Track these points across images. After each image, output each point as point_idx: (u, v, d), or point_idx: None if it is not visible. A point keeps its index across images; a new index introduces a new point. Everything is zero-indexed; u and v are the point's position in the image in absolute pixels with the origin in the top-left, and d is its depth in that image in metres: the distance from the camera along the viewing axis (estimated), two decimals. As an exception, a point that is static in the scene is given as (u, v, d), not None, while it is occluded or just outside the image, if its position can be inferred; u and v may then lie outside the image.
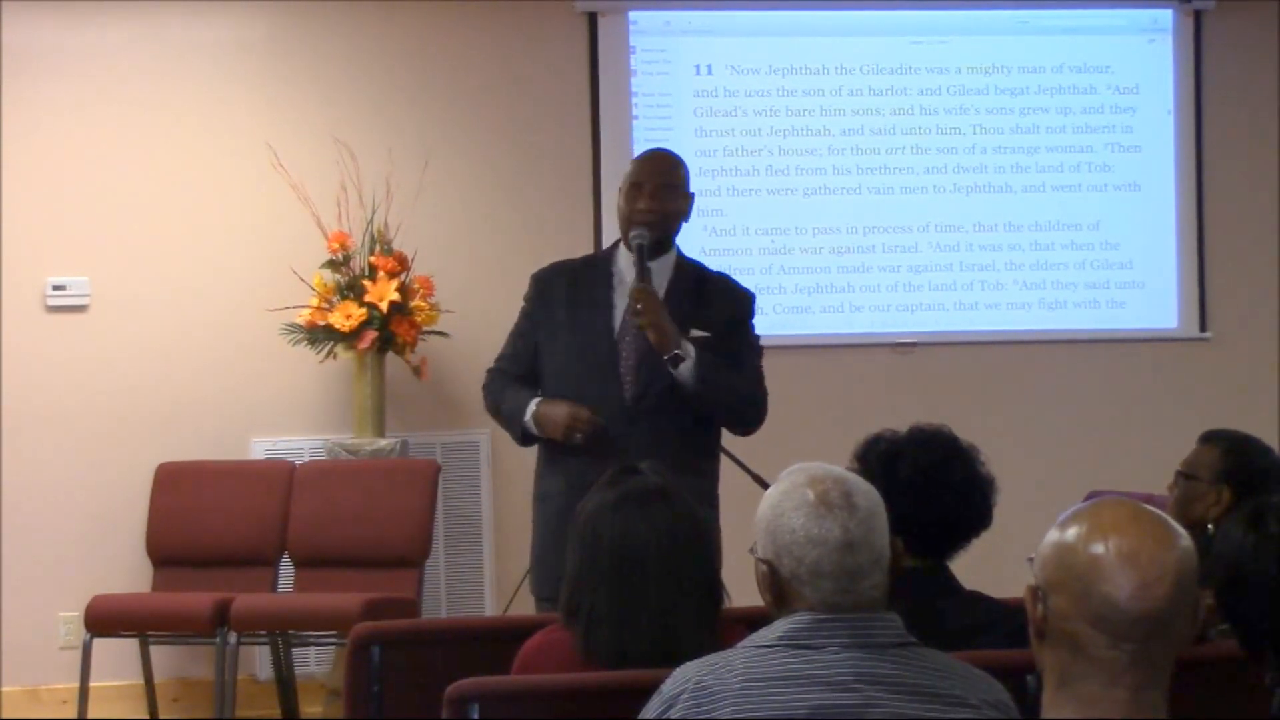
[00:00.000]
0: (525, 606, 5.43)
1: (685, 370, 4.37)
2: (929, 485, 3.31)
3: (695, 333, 4.44)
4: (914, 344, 7.40)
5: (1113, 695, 2.06)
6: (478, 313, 6.99)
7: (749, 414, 4.53)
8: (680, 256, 4.56)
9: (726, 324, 4.48)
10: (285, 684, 6.55)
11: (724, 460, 5.18)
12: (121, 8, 6.97)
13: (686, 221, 4.58)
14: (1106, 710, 2.05)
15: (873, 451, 3.40)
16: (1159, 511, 2.14)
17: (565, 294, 4.55)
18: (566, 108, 7.24)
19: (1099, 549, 2.06)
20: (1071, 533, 2.10)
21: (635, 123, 7.27)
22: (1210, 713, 2.91)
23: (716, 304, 4.51)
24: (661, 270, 4.50)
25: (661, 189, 4.48)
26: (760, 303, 7.10)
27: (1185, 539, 2.11)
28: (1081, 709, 2.07)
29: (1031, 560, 2.14)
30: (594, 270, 4.60)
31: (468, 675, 2.99)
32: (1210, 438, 4.35)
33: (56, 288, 6.90)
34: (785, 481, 2.60)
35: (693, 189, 4.60)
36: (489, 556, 6.99)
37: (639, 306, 4.38)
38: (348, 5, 7.08)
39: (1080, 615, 2.06)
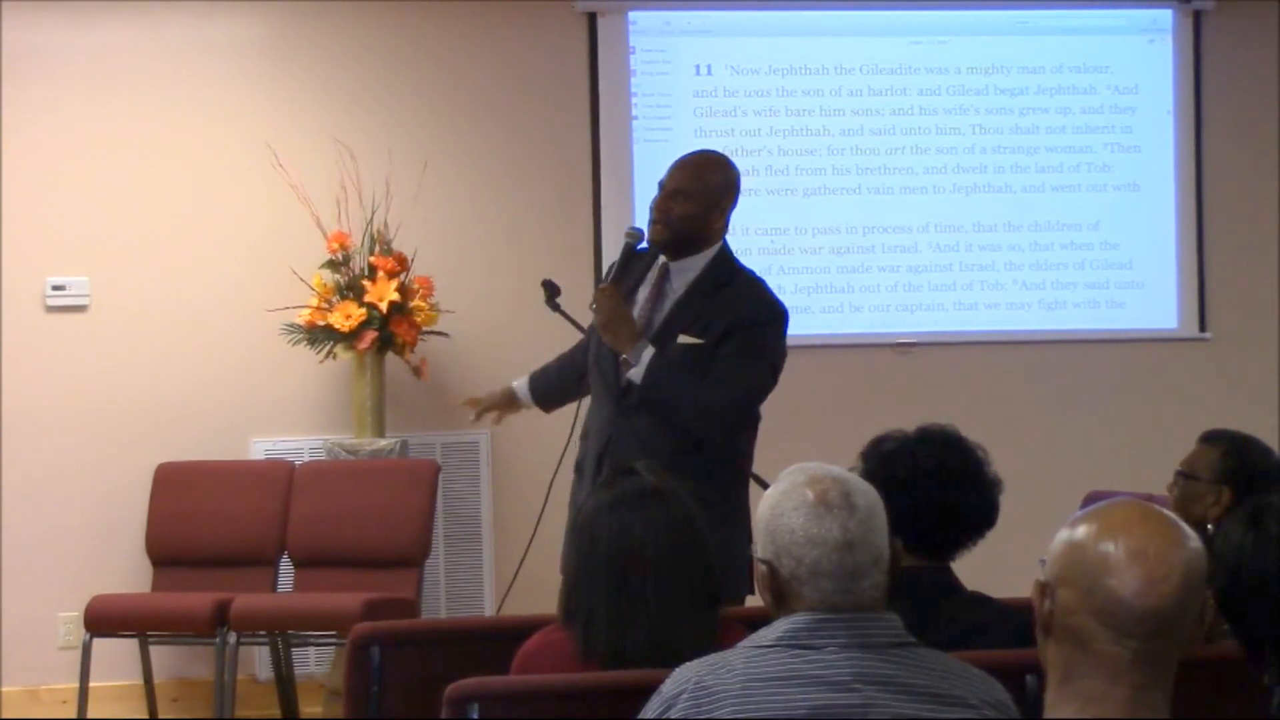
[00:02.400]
0: (522, 603, 5.43)
1: (636, 374, 4.39)
2: (932, 484, 3.31)
3: (684, 339, 4.42)
4: (914, 344, 7.40)
5: (1115, 693, 2.06)
6: (478, 313, 7.00)
7: (695, 424, 4.40)
8: (718, 257, 4.54)
9: (723, 330, 4.43)
10: (285, 684, 6.55)
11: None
12: (121, 8, 6.97)
13: (716, 220, 4.54)
14: (1109, 710, 2.05)
15: (877, 451, 3.40)
16: (1170, 513, 2.15)
17: (613, 276, 4.58)
18: (566, 108, 7.24)
19: (1108, 547, 2.08)
20: (1082, 531, 2.11)
21: (635, 123, 7.27)
22: (1210, 713, 2.91)
23: (722, 310, 4.46)
24: (690, 268, 4.50)
25: (671, 194, 4.50)
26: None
27: (1195, 541, 2.12)
28: (1084, 707, 2.07)
29: (1043, 562, 2.15)
30: (640, 261, 4.61)
31: (468, 675, 2.99)
32: (1210, 438, 4.35)
33: (56, 288, 6.90)
34: (784, 481, 2.60)
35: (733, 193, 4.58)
36: (489, 556, 6.99)
37: (593, 306, 4.44)
38: (348, 5, 7.08)
39: (1086, 609, 2.06)
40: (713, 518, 4.34)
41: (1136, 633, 2.06)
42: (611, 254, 7.13)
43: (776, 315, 4.56)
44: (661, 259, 4.55)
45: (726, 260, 4.56)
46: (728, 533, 4.35)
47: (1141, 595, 2.05)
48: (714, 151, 4.70)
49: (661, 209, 4.49)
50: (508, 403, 4.97)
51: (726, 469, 4.48)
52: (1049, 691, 2.11)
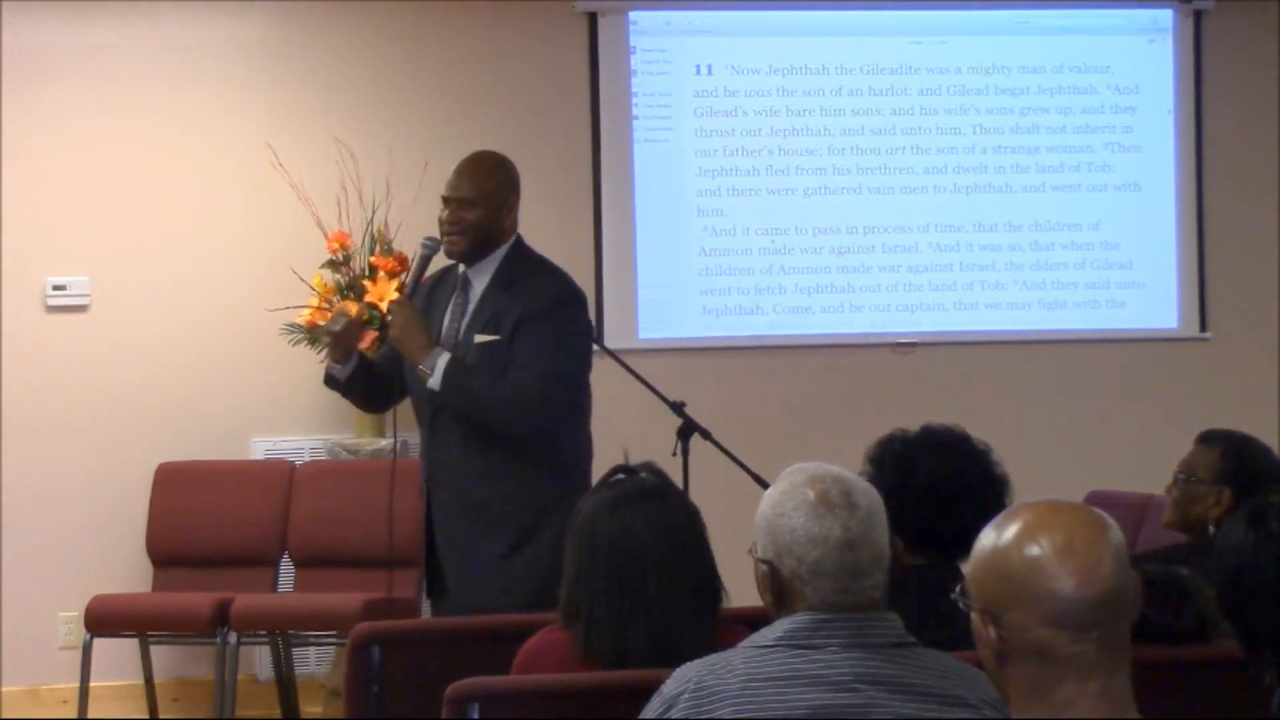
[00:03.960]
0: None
1: (434, 382, 4.38)
2: (947, 492, 3.31)
3: (480, 338, 4.42)
4: (914, 344, 7.40)
5: (1089, 690, 2.05)
6: (478, 313, 6.99)
7: (500, 421, 4.39)
8: (510, 253, 4.51)
9: (515, 322, 4.41)
10: (285, 684, 6.55)
11: (715, 461, 5.19)
12: (121, 8, 6.97)
13: (505, 219, 4.49)
14: (1085, 709, 2.04)
15: (887, 454, 3.40)
16: (1073, 501, 2.15)
17: (430, 293, 4.57)
18: (566, 108, 7.24)
19: (1034, 550, 2.06)
20: (1001, 542, 2.09)
21: (635, 123, 7.27)
22: (1210, 713, 2.91)
23: (513, 303, 4.44)
24: (486, 270, 4.49)
25: (460, 203, 4.47)
26: (760, 302, 7.25)
27: (1109, 517, 2.12)
28: (1060, 711, 2.05)
29: (963, 591, 2.13)
30: (449, 275, 4.61)
31: (468, 675, 2.99)
32: (1209, 438, 4.34)
33: (56, 288, 6.90)
34: (785, 481, 2.60)
35: (511, 188, 4.52)
36: (489, 556, 6.98)
37: (389, 319, 4.44)
38: (348, 5, 7.08)
39: (1038, 621, 2.05)
40: (544, 518, 4.36)
41: (1092, 624, 2.05)
42: (611, 253, 7.18)
43: (569, 299, 4.53)
44: (461, 268, 4.54)
45: (520, 254, 4.54)
46: (560, 529, 4.34)
47: (1084, 587, 2.04)
48: (489, 152, 4.63)
49: (454, 220, 4.47)
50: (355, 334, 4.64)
51: (553, 468, 4.45)
52: (1015, 712, 2.10)
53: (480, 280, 4.50)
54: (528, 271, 4.51)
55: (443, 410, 4.46)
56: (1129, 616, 2.08)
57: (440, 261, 4.62)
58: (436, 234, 4.54)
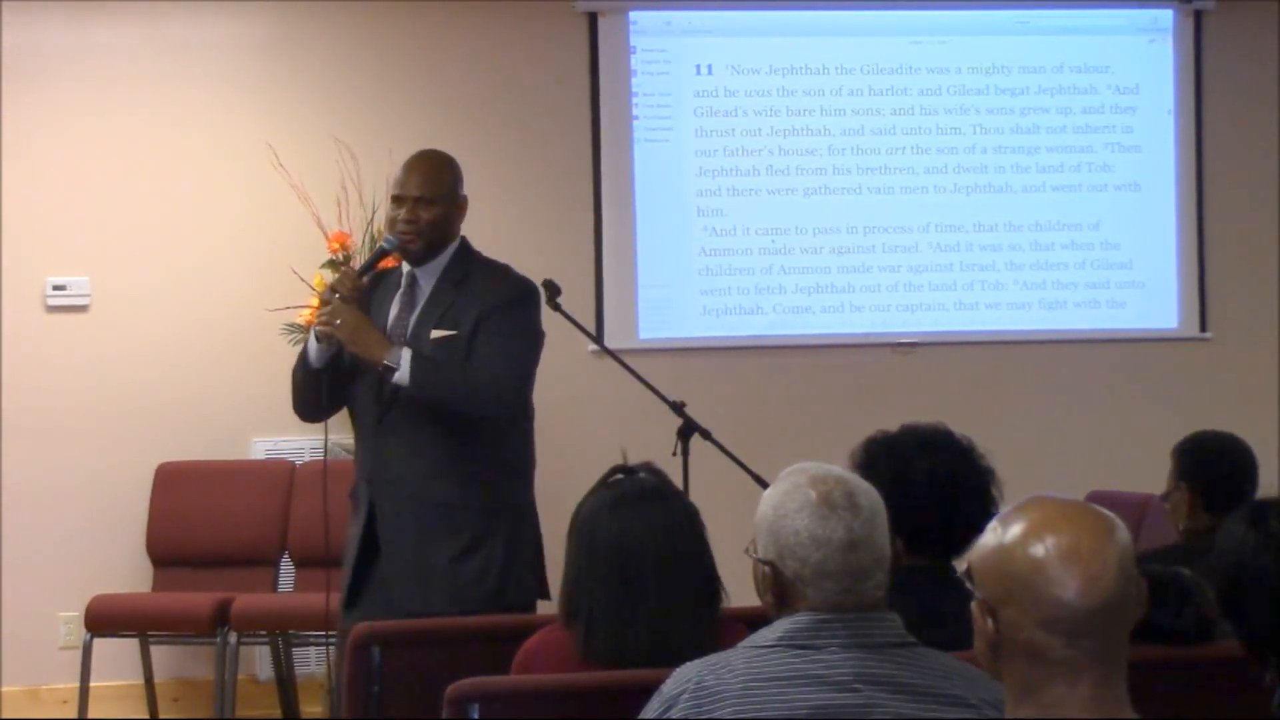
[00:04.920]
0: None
1: (400, 377, 4.35)
2: (943, 488, 3.31)
3: (437, 334, 4.40)
4: (914, 344, 7.40)
5: (1077, 694, 2.05)
6: (478, 313, 6.98)
7: (475, 405, 4.36)
8: (458, 252, 4.51)
9: (476, 316, 4.41)
10: (285, 684, 6.55)
11: (715, 461, 5.19)
12: (121, 8, 6.97)
13: (458, 219, 4.53)
14: (1075, 710, 2.04)
15: (876, 456, 3.39)
16: (1086, 503, 2.14)
17: (369, 293, 4.53)
18: (566, 108, 7.24)
19: (1039, 550, 2.05)
20: (1007, 538, 2.08)
21: (635, 123, 7.27)
22: (1210, 713, 2.91)
23: (471, 298, 4.43)
24: (435, 268, 4.49)
25: (416, 202, 4.45)
26: (760, 302, 7.26)
27: (1118, 521, 2.11)
28: (1049, 711, 2.05)
29: (969, 575, 2.12)
30: (391, 274, 4.59)
31: (468, 675, 2.99)
32: (1172, 451, 4.41)
33: (56, 288, 6.90)
34: (786, 482, 2.60)
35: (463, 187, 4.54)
36: (489, 556, 6.97)
37: (338, 321, 4.39)
38: (348, 5, 7.08)
39: (1033, 622, 2.04)
40: (495, 521, 4.36)
41: (1087, 632, 2.04)
42: (611, 253, 7.17)
43: (527, 293, 4.55)
44: (407, 268, 4.52)
45: (467, 253, 4.54)
46: (511, 531, 4.35)
47: (1084, 595, 2.03)
48: (438, 150, 4.61)
49: (411, 219, 4.45)
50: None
51: (498, 469, 4.45)
52: (1009, 708, 2.09)
53: (428, 279, 4.49)
54: (481, 269, 4.52)
55: (394, 410, 4.42)
56: (1129, 623, 2.07)
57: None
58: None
